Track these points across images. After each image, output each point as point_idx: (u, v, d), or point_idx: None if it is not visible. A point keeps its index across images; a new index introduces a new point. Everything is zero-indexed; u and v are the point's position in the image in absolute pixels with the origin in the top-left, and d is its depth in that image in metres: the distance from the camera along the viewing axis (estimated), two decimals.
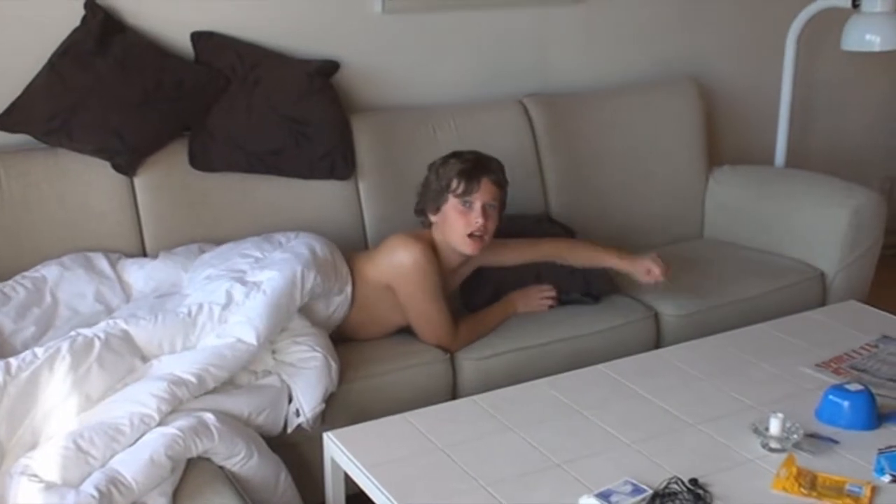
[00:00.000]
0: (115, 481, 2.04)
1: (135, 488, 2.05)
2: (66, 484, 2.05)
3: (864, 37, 3.65)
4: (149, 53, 2.90)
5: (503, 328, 2.86)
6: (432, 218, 2.77)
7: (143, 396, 2.24)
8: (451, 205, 2.70)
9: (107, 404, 2.26)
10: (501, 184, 2.76)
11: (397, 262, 2.71)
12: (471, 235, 2.69)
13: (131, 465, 2.09)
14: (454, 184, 2.69)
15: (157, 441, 2.14)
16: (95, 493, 1.99)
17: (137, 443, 2.16)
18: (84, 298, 2.65)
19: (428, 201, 2.77)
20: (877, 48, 3.66)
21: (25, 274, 2.66)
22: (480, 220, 2.68)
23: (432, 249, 2.74)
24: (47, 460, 2.08)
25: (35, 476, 2.06)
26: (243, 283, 2.56)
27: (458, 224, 2.69)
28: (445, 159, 2.77)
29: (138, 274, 2.75)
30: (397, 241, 2.74)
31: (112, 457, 2.13)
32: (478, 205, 2.69)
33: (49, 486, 2.03)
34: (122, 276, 2.74)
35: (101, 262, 2.74)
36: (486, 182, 2.70)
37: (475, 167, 2.71)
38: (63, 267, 2.69)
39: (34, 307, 2.58)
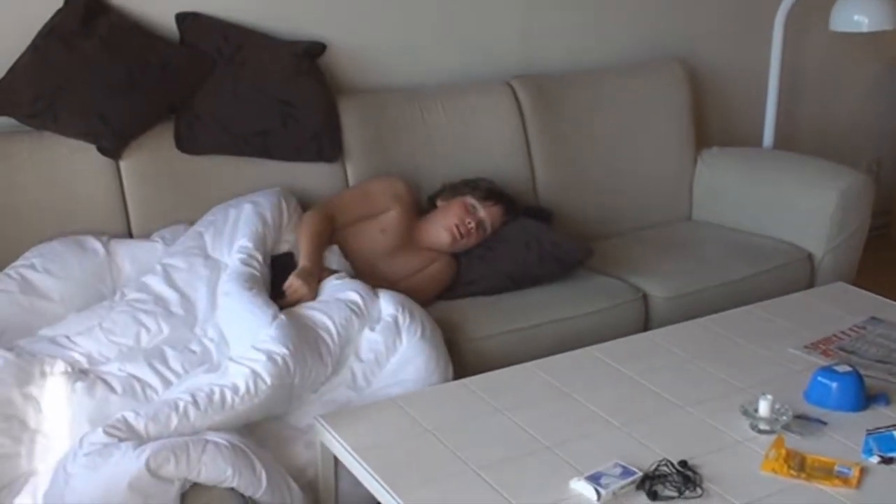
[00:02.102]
0: (180, 453, 2.06)
1: (194, 468, 2.07)
2: (159, 436, 2.11)
3: (853, 17, 3.66)
4: (134, 34, 2.87)
5: (491, 310, 2.86)
6: (440, 203, 3.04)
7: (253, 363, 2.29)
8: (462, 200, 2.98)
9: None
10: (506, 217, 3.04)
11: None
12: (455, 228, 2.92)
13: (217, 455, 2.09)
14: (479, 188, 3.02)
15: (238, 452, 2.14)
16: (146, 456, 2.02)
17: (230, 438, 2.17)
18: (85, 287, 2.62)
19: (447, 190, 3.06)
20: (865, 29, 3.66)
21: (15, 264, 2.61)
22: (472, 224, 2.94)
23: (411, 214, 2.99)
24: (147, 411, 2.17)
25: (113, 428, 2.11)
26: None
27: (454, 213, 2.95)
28: (483, 179, 3.10)
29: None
30: None
31: (216, 417, 2.19)
32: (481, 214, 2.98)
33: (94, 448, 2.06)
34: (116, 260, 2.71)
35: (94, 244, 2.71)
36: (500, 207, 3.03)
37: (502, 193, 3.07)
38: (55, 252, 2.65)
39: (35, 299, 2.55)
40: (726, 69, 4.01)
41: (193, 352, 2.44)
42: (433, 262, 2.94)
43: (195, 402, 2.19)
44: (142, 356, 2.39)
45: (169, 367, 2.37)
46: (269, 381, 2.25)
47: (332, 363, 2.43)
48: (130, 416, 2.15)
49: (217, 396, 2.21)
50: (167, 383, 2.33)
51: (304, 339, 2.38)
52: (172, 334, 2.48)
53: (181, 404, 2.18)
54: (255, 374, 2.25)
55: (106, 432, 2.10)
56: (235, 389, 2.23)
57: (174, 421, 2.15)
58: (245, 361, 2.29)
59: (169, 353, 2.41)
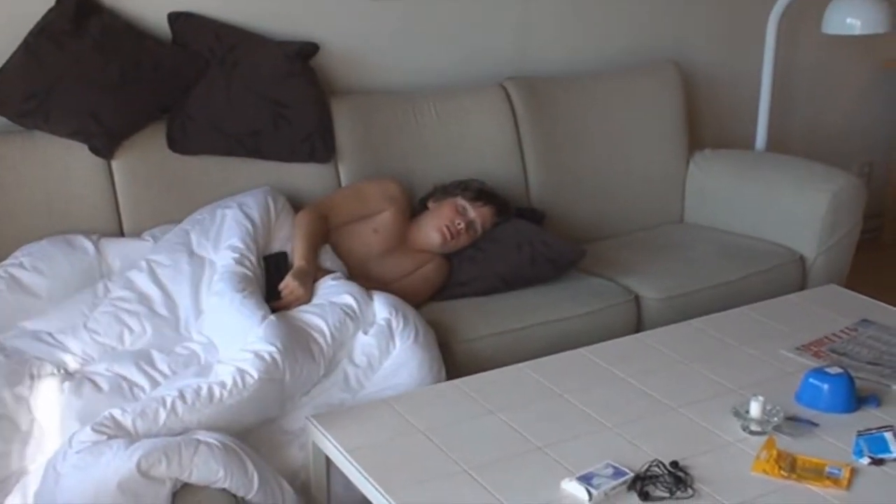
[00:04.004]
0: (171, 454, 2.04)
1: (186, 469, 2.05)
2: (147, 432, 2.11)
3: (845, 20, 3.67)
4: (126, 34, 2.87)
5: (483, 311, 2.85)
6: (430, 205, 3.03)
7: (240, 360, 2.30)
8: (452, 201, 2.98)
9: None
10: (497, 218, 3.02)
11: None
12: (445, 228, 2.91)
13: (209, 455, 2.08)
14: (469, 189, 3.01)
15: (230, 453, 2.13)
16: (137, 457, 2.00)
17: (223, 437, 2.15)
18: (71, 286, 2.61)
19: (437, 193, 3.05)
20: (857, 32, 3.67)
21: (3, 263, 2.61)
22: (462, 225, 2.93)
23: (405, 216, 2.98)
24: (135, 407, 2.16)
25: (101, 425, 2.09)
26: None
27: (445, 214, 2.95)
28: (474, 180, 3.09)
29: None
30: None
31: (206, 411, 2.18)
32: (471, 215, 2.97)
33: (83, 447, 2.05)
34: (106, 259, 2.70)
35: (84, 243, 2.69)
36: (491, 208, 3.01)
37: (493, 194, 3.05)
38: (44, 250, 2.64)
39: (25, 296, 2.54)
40: (719, 72, 4.02)
41: (180, 354, 2.44)
42: (425, 263, 2.94)
43: (182, 397, 2.19)
44: (128, 357, 2.39)
45: (156, 369, 2.37)
46: (255, 374, 2.26)
47: (325, 364, 2.42)
48: (118, 413, 2.14)
49: (205, 391, 2.21)
50: (155, 383, 2.33)
51: (295, 338, 2.38)
52: (156, 334, 2.48)
53: (169, 399, 2.18)
54: (242, 370, 2.26)
55: (94, 430, 2.10)
56: (223, 384, 2.23)
57: (162, 416, 2.15)
58: (233, 362, 2.30)
59: (156, 355, 2.41)
